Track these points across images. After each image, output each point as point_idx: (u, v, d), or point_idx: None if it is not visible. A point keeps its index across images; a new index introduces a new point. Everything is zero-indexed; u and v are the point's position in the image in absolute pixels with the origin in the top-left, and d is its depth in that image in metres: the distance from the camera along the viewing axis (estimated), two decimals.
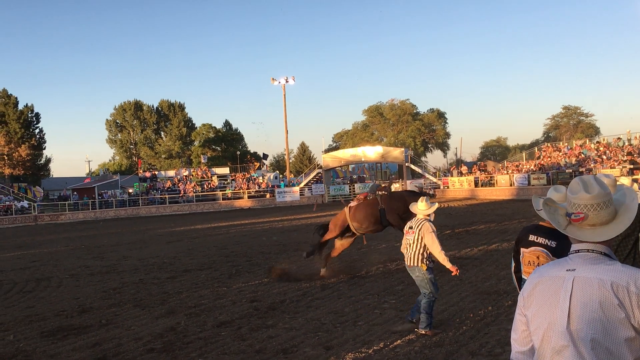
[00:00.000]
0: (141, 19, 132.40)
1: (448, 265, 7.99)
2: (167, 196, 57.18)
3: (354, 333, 8.45)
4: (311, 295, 11.33)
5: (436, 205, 8.44)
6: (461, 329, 8.25)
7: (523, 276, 4.75)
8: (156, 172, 68.72)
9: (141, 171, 68.51)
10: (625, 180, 10.09)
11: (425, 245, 8.01)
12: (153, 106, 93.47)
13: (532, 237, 4.71)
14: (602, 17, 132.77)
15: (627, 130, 49.98)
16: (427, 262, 8.04)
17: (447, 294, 10.66)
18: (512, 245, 5.08)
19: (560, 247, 4.45)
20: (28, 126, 73.52)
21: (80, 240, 28.74)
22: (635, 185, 10.29)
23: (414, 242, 8.05)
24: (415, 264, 8.03)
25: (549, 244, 4.57)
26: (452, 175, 57.48)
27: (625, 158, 42.13)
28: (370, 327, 8.71)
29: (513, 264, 5.01)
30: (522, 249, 4.78)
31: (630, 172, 37.53)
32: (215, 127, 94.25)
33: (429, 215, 8.29)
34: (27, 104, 74.42)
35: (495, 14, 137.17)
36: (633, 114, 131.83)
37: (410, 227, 8.10)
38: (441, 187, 55.56)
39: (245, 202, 56.64)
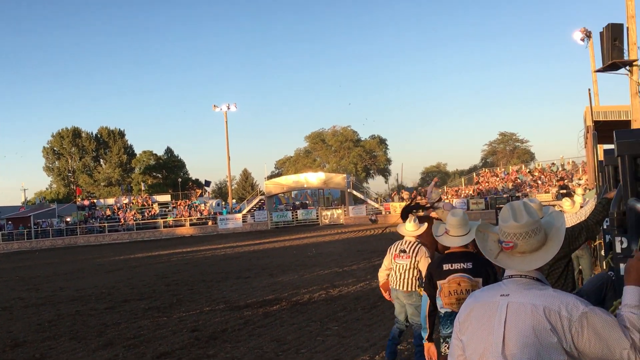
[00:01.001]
0: (79, 43, 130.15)
1: None
2: (106, 224, 56.00)
3: None
4: (253, 324, 11.22)
5: (425, 225, 7.51)
6: (403, 354, 8.28)
7: (444, 309, 4.66)
8: (95, 200, 67.34)
9: (79, 199, 66.99)
10: (566, 204, 10.40)
11: (420, 271, 7.32)
12: (92, 133, 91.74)
13: (446, 267, 4.64)
14: (535, 47, 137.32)
15: (560, 156, 51.68)
16: None
17: (388, 319, 10.66)
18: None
19: (476, 267, 4.48)
20: None
21: (15, 272, 27.79)
22: (578, 206, 10.57)
23: (410, 267, 7.36)
24: (413, 289, 7.37)
25: (465, 266, 4.55)
26: (393, 201, 58.11)
27: (557, 183, 43.42)
28: (313, 354, 8.66)
29: (427, 302, 4.91)
30: (439, 282, 4.69)
31: (560, 197, 38.66)
32: (156, 154, 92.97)
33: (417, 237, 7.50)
34: None
35: (433, 43, 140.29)
36: (566, 140, 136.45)
37: (403, 251, 7.36)
38: (383, 213, 56.05)
39: (187, 230, 55.92)
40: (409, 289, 7.34)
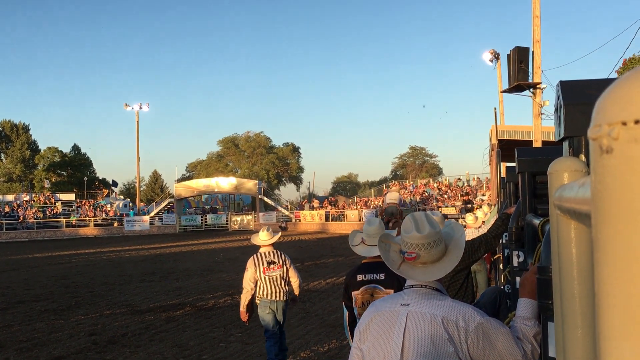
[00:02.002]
0: None
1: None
2: (4, 222, 53.48)
3: None
4: (155, 328, 10.96)
5: (279, 234, 7.98)
6: None
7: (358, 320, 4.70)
8: None
9: None
10: (469, 218, 10.72)
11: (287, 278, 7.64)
12: None
13: (360, 277, 4.66)
14: (448, 65, 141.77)
15: (466, 172, 53.40)
16: None
17: (293, 326, 10.71)
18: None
19: (389, 278, 4.47)
20: None
21: None
22: (480, 221, 10.91)
23: (284, 276, 7.55)
24: (284, 298, 7.57)
25: (378, 277, 4.57)
26: (303, 209, 58.40)
27: (461, 198, 44.78)
28: None
29: (346, 313, 4.92)
30: (353, 293, 4.69)
31: (464, 212, 39.87)
32: (61, 151, 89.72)
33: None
34: None
35: (346, 53, 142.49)
36: (472, 156, 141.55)
37: (272, 262, 7.47)
38: (293, 220, 56.20)
39: (91, 231, 54.19)
40: (281, 298, 7.52)
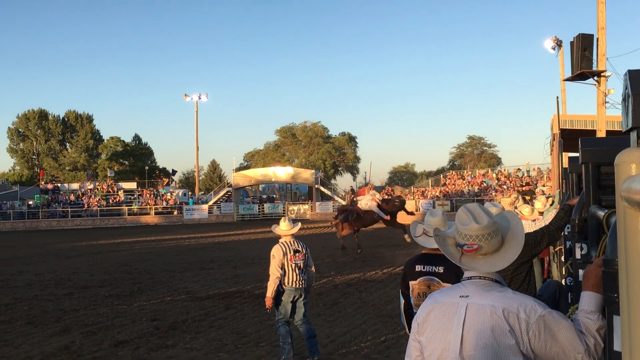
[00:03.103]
0: (50, 25, 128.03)
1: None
2: (69, 209, 55.18)
3: (255, 354, 8.38)
4: (214, 315, 11.16)
5: (299, 225, 8.31)
6: (362, 351, 8.33)
7: (414, 310, 4.66)
8: (59, 184, 66.30)
9: (43, 183, 65.94)
10: (526, 210, 10.52)
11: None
12: (59, 116, 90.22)
13: (418, 268, 4.65)
14: (507, 54, 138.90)
15: (526, 162, 52.36)
16: None
17: (350, 316, 10.76)
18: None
19: (447, 271, 4.43)
20: None
21: None
22: (536, 213, 10.70)
23: (306, 265, 7.96)
24: (305, 286, 7.98)
25: (436, 270, 4.54)
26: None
27: (518, 189, 43.88)
28: (273, 348, 8.66)
29: (402, 301, 4.93)
30: (410, 283, 4.70)
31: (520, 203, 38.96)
32: (123, 141, 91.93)
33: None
34: None
35: (405, 44, 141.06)
36: (532, 146, 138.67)
37: (297, 251, 7.84)
38: None
39: (151, 219, 55.38)
40: (304, 286, 7.95)
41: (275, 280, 7.78)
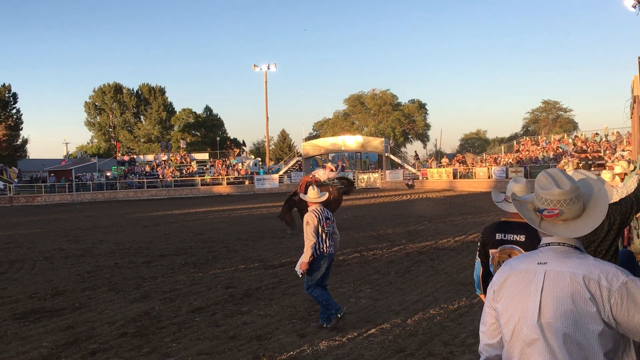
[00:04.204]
0: (123, 2, 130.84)
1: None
2: (145, 180, 56.81)
3: None
4: (287, 283, 11.32)
5: (327, 194, 8.64)
6: (435, 319, 8.30)
7: None
8: (135, 156, 68.24)
9: (119, 155, 67.98)
10: (607, 175, 10.17)
11: None
12: (133, 89, 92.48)
13: (499, 236, 4.50)
14: (583, 13, 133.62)
15: (604, 126, 50.54)
16: None
17: (422, 284, 10.73)
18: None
19: (529, 240, 4.26)
20: (5, 106, 72.52)
21: (56, 223, 28.47)
22: (617, 179, 10.33)
23: (334, 232, 8.36)
24: (333, 252, 8.37)
25: (518, 239, 4.38)
26: (430, 167, 57.72)
27: (580, 155, 42.42)
28: (345, 315, 8.72)
29: (480, 270, 4.74)
30: (490, 251, 4.56)
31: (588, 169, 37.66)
32: (195, 112, 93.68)
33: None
34: (4, 84, 73.37)
35: (477, 7, 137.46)
36: (611, 110, 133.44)
37: (328, 218, 8.23)
38: (420, 178, 55.77)
39: (223, 189, 56.43)
40: (336, 251, 8.45)
41: (313, 246, 8.04)
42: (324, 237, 8.09)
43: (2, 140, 68.23)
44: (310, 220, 8.08)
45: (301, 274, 8.27)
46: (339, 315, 8.03)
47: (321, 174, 22.28)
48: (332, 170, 24.52)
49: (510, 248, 4.41)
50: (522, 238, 4.36)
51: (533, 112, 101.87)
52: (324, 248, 8.10)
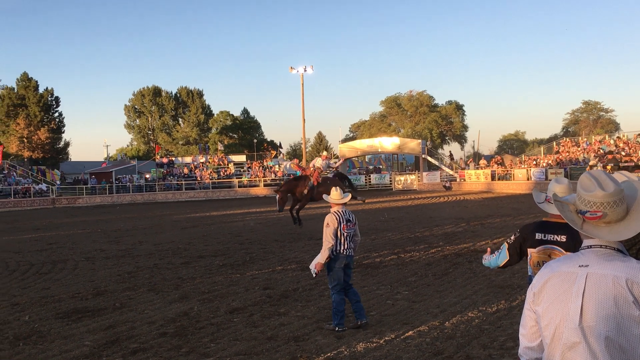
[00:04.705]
0: (162, 4, 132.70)
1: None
2: (183, 182, 57.47)
3: None
4: (324, 284, 11.31)
5: (349, 196, 8.71)
6: (473, 322, 8.23)
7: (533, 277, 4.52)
8: (173, 158, 69.06)
9: (158, 157, 68.85)
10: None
11: None
12: (172, 92, 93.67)
13: (538, 236, 4.45)
14: (623, 12, 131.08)
15: None
16: None
17: (460, 286, 10.65)
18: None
19: (570, 240, 4.22)
20: (48, 110, 74.03)
21: (97, 224, 28.97)
22: None
23: (355, 234, 8.37)
24: (352, 253, 8.38)
25: (558, 239, 4.33)
26: (468, 168, 57.21)
27: (607, 157, 41.53)
28: (382, 317, 8.71)
29: (504, 261, 4.71)
30: (529, 250, 4.51)
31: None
32: (232, 115, 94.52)
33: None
34: (47, 88, 74.92)
35: (517, 6, 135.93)
36: None
37: (349, 220, 8.24)
38: (458, 180, 55.32)
39: (261, 190, 56.72)
40: (354, 253, 8.44)
41: (330, 248, 8.09)
42: (342, 240, 8.14)
43: (45, 143, 69.69)
44: (330, 222, 8.15)
45: (315, 273, 8.34)
46: (359, 323, 8.10)
47: (319, 163, 22.81)
48: (327, 158, 25.08)
49: (550, 248, 4.35)
50: (563, 238, 4.31)
51: (573, 112, 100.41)
52: (342, 249, 8.15)
